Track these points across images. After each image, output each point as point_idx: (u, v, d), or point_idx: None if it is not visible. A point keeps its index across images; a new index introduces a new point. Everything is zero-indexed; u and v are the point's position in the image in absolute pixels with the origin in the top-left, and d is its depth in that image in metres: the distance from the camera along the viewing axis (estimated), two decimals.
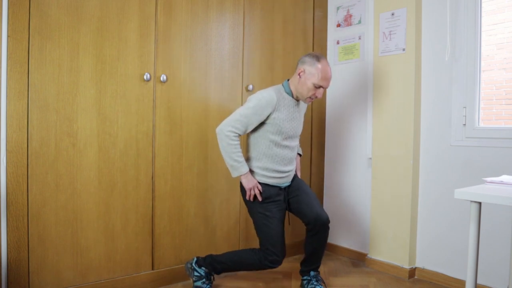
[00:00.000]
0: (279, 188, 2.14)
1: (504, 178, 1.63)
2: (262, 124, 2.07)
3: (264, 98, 2.02)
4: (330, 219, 3.03)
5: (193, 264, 2.20)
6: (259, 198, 2.07)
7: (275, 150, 2.09)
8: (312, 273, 2.24)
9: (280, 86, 2.14)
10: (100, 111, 2.05)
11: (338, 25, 2.99)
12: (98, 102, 2.04)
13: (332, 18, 3.04)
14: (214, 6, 2.43)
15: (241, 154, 2.04)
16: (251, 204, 2.11)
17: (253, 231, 2.69)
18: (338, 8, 2.99)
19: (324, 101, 3.06)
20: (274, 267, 2.06)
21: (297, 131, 2.18)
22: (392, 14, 2.56)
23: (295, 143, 2.20)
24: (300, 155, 2.41)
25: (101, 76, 2.04)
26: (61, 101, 1.94)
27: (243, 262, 2.12)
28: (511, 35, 2.19)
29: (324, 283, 2.23)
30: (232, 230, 2.58)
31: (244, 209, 2.61)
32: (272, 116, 2.04)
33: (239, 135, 2.04)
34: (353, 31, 2.89)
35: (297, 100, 2.15)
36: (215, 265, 2.16)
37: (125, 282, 2.15)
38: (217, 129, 2.06)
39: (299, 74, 2.07)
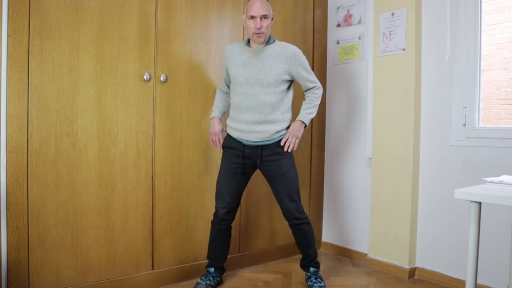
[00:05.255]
0: (242, 144, 2.15)
1: (504, 178, 1.63)
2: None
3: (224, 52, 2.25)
4: (330, 218, 3.05)
5: None
6: (216, 147, 2.25)
7: (233, 98, 2.18)
8: (311, 269, 2.26)
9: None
10: (100, 111, 2.05)
11: (338, 25, 2.99)
12: (98, 102, 2.04)
13: (332, 18, 3.04)
14: (214, 6, 2.43)
15: (217, 103, 2.30)
16: None
17: (253, 231, 2.70)
18: (338, 8, 2.99)
19: (324, 101, 3.06)
20: (225, 218, 2.20)
21: (253, 76, 2.09)
22: (392, 14, 2.56)
23: (253, 90, 2.10)
24: (303, 122, 2.19)
25: (101, 76, 2.04)
26: (61, 101, 1.94)
27: (211, 235, 2.27)
28: (511, 35, 2.19)
29: (322, 280, 2.24)
30: (232, 230, 2.57)
31: (244, 209, 2.61)
32: (228, 65, 2.20)
33: (222, 89, 2.33)
34: (353, 31, 2.89)
35: (252, 47, 2.16)
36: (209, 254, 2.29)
37: (125, 282, 2.15)
38: None
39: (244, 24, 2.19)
